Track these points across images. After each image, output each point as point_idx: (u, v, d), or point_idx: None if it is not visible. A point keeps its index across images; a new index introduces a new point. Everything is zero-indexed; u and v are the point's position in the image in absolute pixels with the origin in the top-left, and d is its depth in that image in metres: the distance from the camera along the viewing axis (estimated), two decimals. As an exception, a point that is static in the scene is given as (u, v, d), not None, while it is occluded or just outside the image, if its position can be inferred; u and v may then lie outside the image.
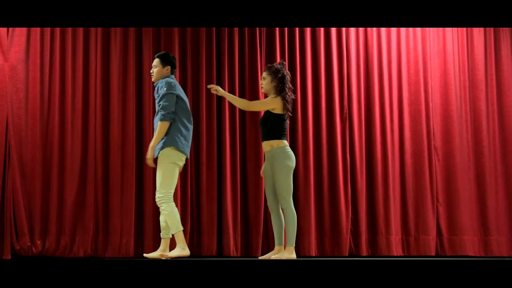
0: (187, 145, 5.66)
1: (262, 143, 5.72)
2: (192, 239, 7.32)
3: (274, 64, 5.71)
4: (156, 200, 5.55)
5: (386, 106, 7.90)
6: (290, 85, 5.68)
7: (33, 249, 6.98)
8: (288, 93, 5.62)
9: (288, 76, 5.67)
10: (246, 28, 7.67)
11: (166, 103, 5.44)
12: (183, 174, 7.30)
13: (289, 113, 5.67)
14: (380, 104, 7.90)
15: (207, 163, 7.38)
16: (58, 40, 7.27)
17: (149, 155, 5.51)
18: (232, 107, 7.46)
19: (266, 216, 7.44)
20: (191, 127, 5.70)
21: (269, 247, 7.43)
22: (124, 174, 7.23)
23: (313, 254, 7.45)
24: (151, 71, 5.71)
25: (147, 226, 7.20)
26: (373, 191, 7.77)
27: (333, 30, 7.87)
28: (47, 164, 7.15)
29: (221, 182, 7.42)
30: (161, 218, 5.65)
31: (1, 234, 6.95)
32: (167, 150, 5.50)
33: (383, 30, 8.01)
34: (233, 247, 7.29)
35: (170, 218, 5.49)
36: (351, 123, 7.80)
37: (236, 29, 7.64)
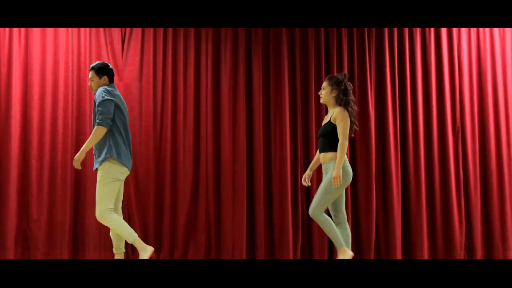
0: (128, 158, 5.46)
1: (320, 154, 5.48)
2: (303, 251, 7.31)
3: (336, 75, 5.52)
4: (96, 216, 5.34)
5: (501, 118, 7.62)
6: (353, 97, 5.48)
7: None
8: (352, 106, 5.44)
9: (350, 88, 5.47)
10: (355, 29, 7.63)
11: (104, 109, 5.27)
12: (293, 189, 7.31)
13: (356, 127, 5.49)
14: (495, 116, 7.64)
15: (317, 176, 7.36)
16: (170, 58, 7.48)
17: (79, 156, 5.28)
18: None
19: (378, 228, 7.35)
20: (129, 139, 5.52)
21: (380, 257, 7.32)
22: (235, 188, 7.31)
23: (426, 270, 7.26)
24: (88, 84, 5.61)
25: (259, 239, 7.24)
26: (488, 206, 7.51)
27: (444, 40, 7.71)
28: (160, 179, 7.34)
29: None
30: (112, 229, 5.43)
31: (118, 247, 7.18)
32: (108, 164, 5.33)
33: (497, 39, 7.76)
34: (344, 259, 7.21)
35: (120, 231, 5.30)
36: (463, 136, 7.59)
37: (344, 29, 7.61)
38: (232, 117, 7.43)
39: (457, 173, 7.52)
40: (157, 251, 7.26)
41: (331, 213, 5.52)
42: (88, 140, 5.28)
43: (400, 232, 7.35)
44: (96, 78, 5.55)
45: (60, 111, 7.22)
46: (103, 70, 5.56)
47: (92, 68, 5.57)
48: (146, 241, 7.22)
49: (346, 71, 7.53)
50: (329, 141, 5.39)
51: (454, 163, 7.53)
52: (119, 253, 5.52)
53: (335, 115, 5.38)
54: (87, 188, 7.18)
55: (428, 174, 7.52)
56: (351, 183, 7.43)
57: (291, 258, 7.18)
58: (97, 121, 5.28)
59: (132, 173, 7.27)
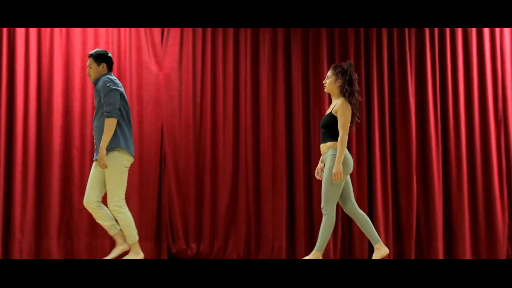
0: (132, 146, 5.44)
1: (321, 145, 5.42)
2: (344, 243, 7.27)
3: (341, 64, 5.42)
4: (110, 207, 5.36)
5: (545, 107, 7.51)
6: (358, 87, 5.38)
7: (188, 252, 7.18)
8: (356, 97, 5.34)
9: (355, 78, 5.37)
10: (395, 28, 7.54)
11: (111, 99, 5.23)
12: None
13: (357, 119, 5.40)
14: (539, 105, 7.53)
15: (358, 168, 7.29)
16: (209, 48, 7.47)
17: (100, 155, 5.24)
18: (381, 113, 7.37)
19: (419, 219, 7.29)
20: (131, 127, 5.51)
21: (421, 251, 7.26)
22: (275, 178, 7.29)
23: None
24: (87, 72, 5.57)
25: (299, 229, 7.23)
26: (533, 196, 7.41)
27: (486, 30, 7.59)
28: (200, 170, 7.35)
29: (371, 186, 7.33)
30: (120, 223, 5.47)
31: (158, 237, 7.22)
32: (116, 153, 5.31)
33: (540, 27, 7.65)
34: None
35: (127, 228, 5.35)
36: (506, 125, 7.47)
37: (384, 29, 7.53)
38: (272, 107, 7.41)
39: (500, 163, 7.42)
40: (197, 242, 7.27)
41: (341, 204, 5.45)
42: (103, 136, 5.25)
43: (442, 223, 7.27)
44: (94, 65, 5.51)
45: (101, 102, 7.25)
46: (101, 57, 5.52)
47: (91, 55, 5.53)
48: (187, 232, 7.24)
49: (386, 72, 7.44)
50: (329, 132, 5.34)
51: (497, 152, 7.43)
52: (116, 233, 5.46)
53: (337, 107, 5.30)
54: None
55: (470, 164, 7.42)
56: (392, 174, 7.36)
57: (331, 249, 7.13)
58: (105, 113, 5.25)
59: (172, 164, 7.28)
